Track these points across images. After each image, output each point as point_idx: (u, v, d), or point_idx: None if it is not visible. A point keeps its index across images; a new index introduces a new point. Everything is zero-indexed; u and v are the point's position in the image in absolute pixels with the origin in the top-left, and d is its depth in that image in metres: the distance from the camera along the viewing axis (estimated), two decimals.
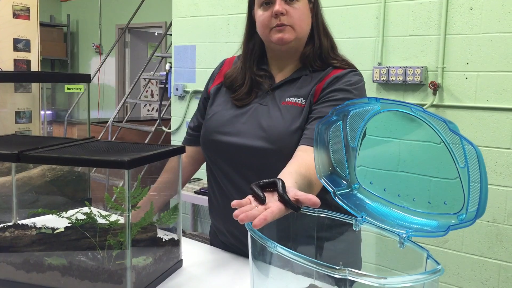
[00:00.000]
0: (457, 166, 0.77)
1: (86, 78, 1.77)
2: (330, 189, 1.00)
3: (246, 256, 1.42)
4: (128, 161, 1.00)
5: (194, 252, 1.40)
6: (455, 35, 2.72)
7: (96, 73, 5.77)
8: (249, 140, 1.31)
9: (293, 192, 0.91)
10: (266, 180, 0.95)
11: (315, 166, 1.02)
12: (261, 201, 0.89)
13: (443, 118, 0.75)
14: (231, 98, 1.40)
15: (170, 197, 1.54)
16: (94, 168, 3.81)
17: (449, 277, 2.91)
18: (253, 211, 0.83)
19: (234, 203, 0.87)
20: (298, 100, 1.32)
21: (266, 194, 0.91)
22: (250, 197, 0.91)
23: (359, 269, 1.50)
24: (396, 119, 0.88)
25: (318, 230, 1.05)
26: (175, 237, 1.27)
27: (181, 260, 1.28)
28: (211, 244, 1.55)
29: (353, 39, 3.05)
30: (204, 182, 3.60)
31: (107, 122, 4.70)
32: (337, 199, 0.99)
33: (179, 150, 1.23)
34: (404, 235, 0.83)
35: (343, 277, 0.68)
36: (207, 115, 1.43)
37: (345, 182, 1.02)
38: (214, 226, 1.50)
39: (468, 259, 2.77)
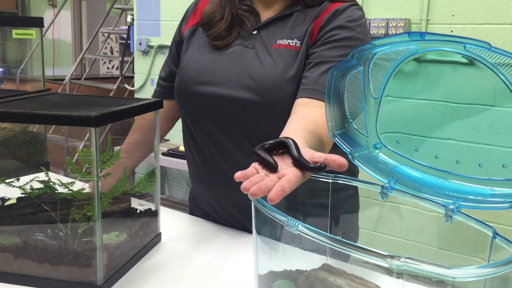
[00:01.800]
0: None
1: (38, 22, 1.51)
2: (346, 149, 0.83)
3: (232, 227, 1.25)
4: (95, 117, 0.79)
5: (172, 223, 1.21)
6: None
7: (49, 27, 5.35)
8: (234, 91, 1.10)
9: (309, 153, 0.73)
10: (272, 141, 0.76)
11: (328, 123, 0.84)
12: (272, 168, 0.70)
13: None
14: (208, 40, 1.18)
15: (139, 162, 1.34)
16: (52, 127, 3.53)
17: (425, 237, 2.85)
18: (266, 182, 0.65)
19: (239, 175, 0.67)
20: (292, 42, 1.11)
21: (275, 159, 0.73)
22: (255, 165, 0.72)
23: (357, 239, 1.37)
24: (438, 63, 0.70)
25: (332, 198, 0.88)
26: (153, 207, 1.08)
27: (160, 233, 1.10)
28: (191, 212, 1.37)
29: None
30: (173, 144, 3.40)
31: (63, 79, 4.36)
32: (356, 162, 0.81)
33: (156, 105, 1.02)
34: (451, 206, 0.67)
35: (398, 267, 0.51)
36: (181, 62, 1.21)
37: (364, 142, 0.84)
38: (194, 192, 1.31)
39: None
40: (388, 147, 0.82)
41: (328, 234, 0.55)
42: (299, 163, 0.70)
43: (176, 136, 3.45)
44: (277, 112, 1.08)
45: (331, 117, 0.84)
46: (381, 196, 0.77)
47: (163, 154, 3.20)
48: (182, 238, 1.13)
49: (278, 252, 0.85)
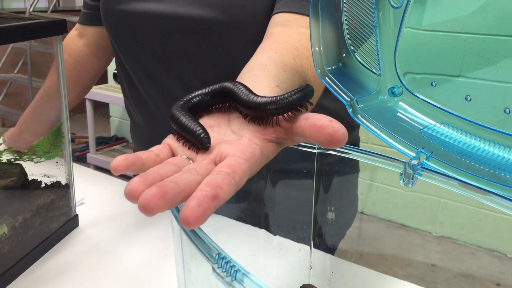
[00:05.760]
0: None
1: None
2: (344, 98, 0.49)
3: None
4: None
5: (104, 198, 0.89)
6: None
7: None
8: (182, 7, 0.75)
9: None
10: (205, 90, 0.41)
11: (313, 50, 0.50)
12: (200, 143, 0.36)
13: None
14: None
15: (71, 107, 1.01)
16: None
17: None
18: (180, 178, 0.31)
19: (116, 164, 0.32)
20: None
21: (213, 120, 0.38)
22: (169, 141, 0.39)
23: (356, 212, 1.07)
24: None
25: (318, 177, 0.55)
26: (63, 180, 0.75)
27: (76, 216, 0.77)
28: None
29: None
30: None
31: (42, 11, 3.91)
32: (359, 119, 0.48)
33: (52, 27, 0.67)
34: None
35: None
36: None
37: (374, 84, 0.50)
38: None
39: None
40: (415, 94, 0.48)
41: None
42: (254, 106, 0.36)
43: None
44: (245, 37, 0.73)
45: (320, 43, 0.50)
46: (402, 180, 0.44)
47: None
48: (111, 220, 0.81)
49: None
